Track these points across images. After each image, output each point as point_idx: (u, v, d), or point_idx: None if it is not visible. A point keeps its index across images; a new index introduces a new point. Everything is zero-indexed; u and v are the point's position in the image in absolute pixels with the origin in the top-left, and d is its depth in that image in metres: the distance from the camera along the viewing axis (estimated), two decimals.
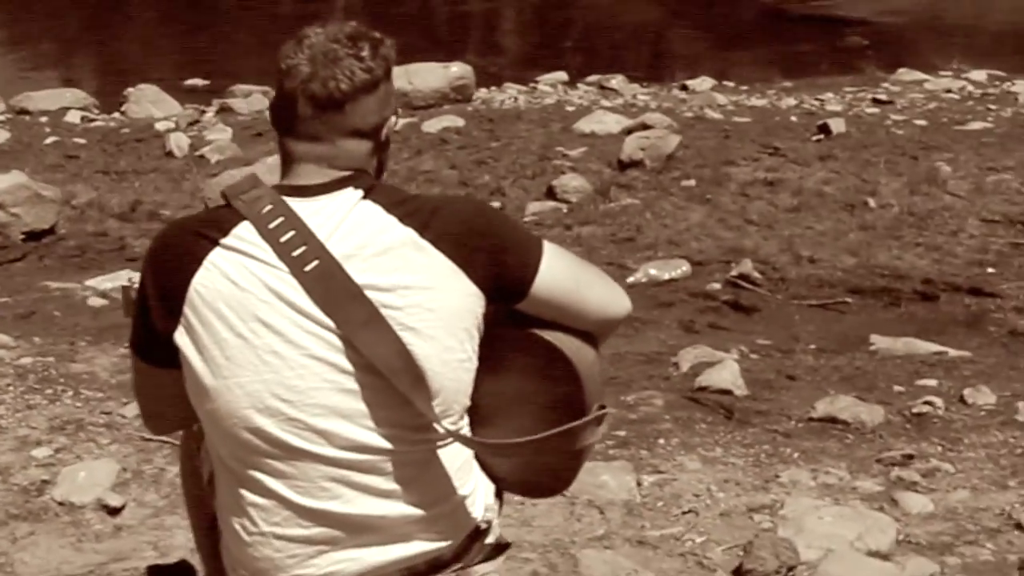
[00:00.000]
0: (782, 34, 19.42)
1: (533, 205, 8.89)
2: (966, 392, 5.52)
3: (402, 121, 11.50)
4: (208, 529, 2.96)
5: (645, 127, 10.76)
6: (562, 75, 14.64)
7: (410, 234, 2.47)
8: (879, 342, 6.33)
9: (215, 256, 2.48)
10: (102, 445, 4.77)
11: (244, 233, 2.49)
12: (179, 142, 10.89)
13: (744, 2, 22.33)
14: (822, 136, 10.79)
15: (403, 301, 2.45)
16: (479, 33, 21.46)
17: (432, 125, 11.24)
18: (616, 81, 14.07)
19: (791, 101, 12.84)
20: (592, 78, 14.54)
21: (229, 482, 2.54)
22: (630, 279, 7.39)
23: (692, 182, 9.53)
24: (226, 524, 2.57)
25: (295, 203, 2.51)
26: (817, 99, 13.05)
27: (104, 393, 5.39)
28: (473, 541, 2.62)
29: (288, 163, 2.57)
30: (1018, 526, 4.21)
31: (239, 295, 2.45)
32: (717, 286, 7.28)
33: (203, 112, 12.87)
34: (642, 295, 7.16)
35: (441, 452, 2.54)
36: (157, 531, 4.11)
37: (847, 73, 15.43)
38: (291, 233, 2.48)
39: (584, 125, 11.11)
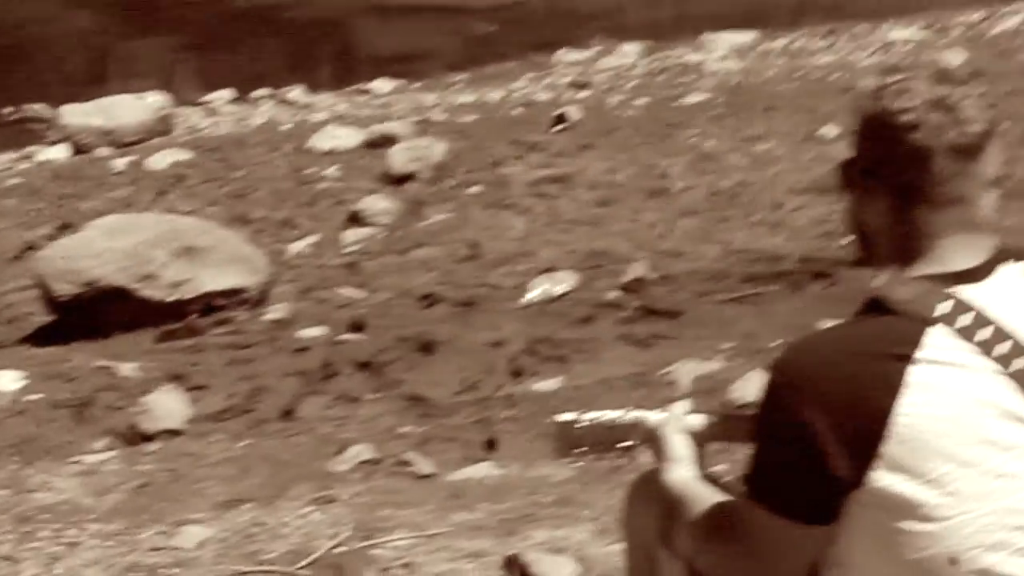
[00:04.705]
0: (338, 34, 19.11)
1: (348, 234, 8.34)
2: None
3: (122, 160, 10.64)
4: None
5: (386, 138, 10.35)
6: (227, 93, 13.90)
7: None
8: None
9: (919, 376, 2.08)
10: None
11: (939, 342, 2.09)
12: None
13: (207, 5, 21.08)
14: (564, 125, 10.68)
15: None
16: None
17: (157, 161, 10.40)
18: (296, 92, 13.49)
19: (497, 93, 12.67)
20: (260, 92, 13.89)
21: None
22: (526, 298, 7.04)
23: (477, 188, 9.23)
24: None
25: (966, 292, 2.14)
26: (510, 89, 12.96)
27: (113, 524, 4.61)
28: None
29: (923, 240, 2.18)
30: None
31: (958, 415, 2.07)
32: (617, 294, 7.02)
33: None
34: (552, 313, 6.83)
35: None
36: None
37: (490, 63, 15.37)
38: (986, 330, 2.11)
39: (320, 143, 10.58)
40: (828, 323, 6.21)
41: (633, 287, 7.05)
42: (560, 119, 10.83)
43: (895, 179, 2.18)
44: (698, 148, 9.76)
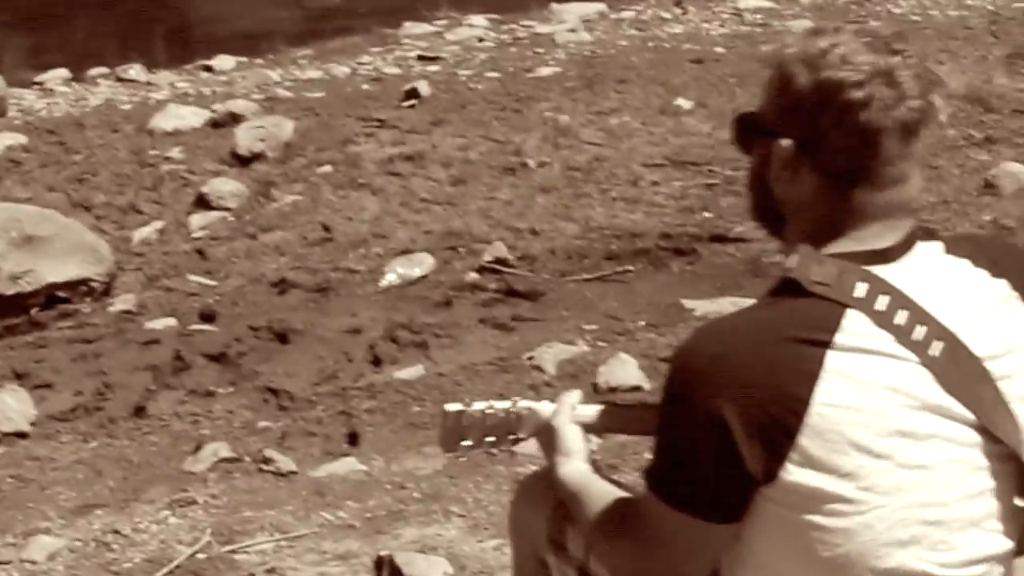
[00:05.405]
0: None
1: (196, 218, 8.06)
2: None
3: None
4: None
5: (235, 117, 10.05)
6: (63, 72, 13.40)
7: (1003, 287, 2.10)
8: (697, 306, 6.17)
9: (834, 363, 1.99)
10: None
11: (856, 326, 2.01)
12: None
13: None
14: (414, 101, 10.47)
15: (1012, 367, 2.07)
16: None
17: None
18: (134, 71, 13.05)
19: (344, 68, 12.40)
20: (97, 71, 13.41)
21: None
22: (384, 282, 6.85)
23: (328, 168, 8.99)
24: None
25: (883, 273, 2.04)
26: (357, 63, 12.68)
27: None
28: None
29: (853, 220, 2.06)
30: None
31: (875, 405, 1.97)
32: (475, 275, 6.86)
33: None
34: (411, 297, 6.66)
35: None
36: None
37: (335, 37, 15.04)
38: (903, 314, 2.01)
39: (162, 123, 10.19)
40: (693, 302, 6.20)
41: (492, 268, 6.91)
42: (410, 94, 10.63)
43: (838, 158, 2.03)
44: (552, 122, 9.62)
